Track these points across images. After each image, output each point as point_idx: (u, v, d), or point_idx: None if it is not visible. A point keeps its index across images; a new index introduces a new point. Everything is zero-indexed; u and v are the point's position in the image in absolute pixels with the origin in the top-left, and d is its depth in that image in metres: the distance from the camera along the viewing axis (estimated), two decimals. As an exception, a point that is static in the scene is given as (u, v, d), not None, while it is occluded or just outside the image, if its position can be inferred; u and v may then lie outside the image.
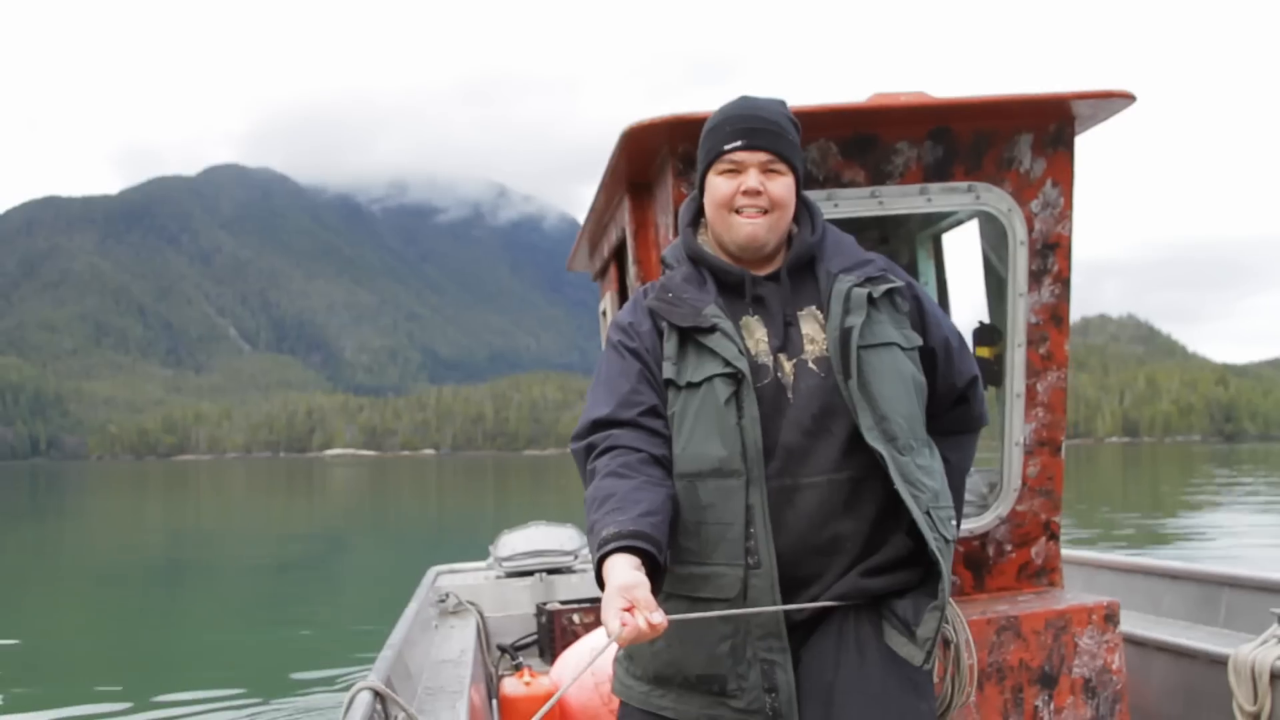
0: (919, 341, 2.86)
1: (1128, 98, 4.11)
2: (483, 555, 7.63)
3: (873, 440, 2.66)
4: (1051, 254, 4.28)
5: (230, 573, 24.92)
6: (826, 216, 3.95)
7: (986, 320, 4.54)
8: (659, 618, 2.32)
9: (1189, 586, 5.23)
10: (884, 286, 2.82)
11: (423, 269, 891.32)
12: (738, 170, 2.80)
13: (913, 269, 5.25)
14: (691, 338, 2.76)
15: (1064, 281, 4.32)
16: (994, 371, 4.43)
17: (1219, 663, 4.41)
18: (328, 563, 26.58)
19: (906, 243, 5.28)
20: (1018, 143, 4.21)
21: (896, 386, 2.74)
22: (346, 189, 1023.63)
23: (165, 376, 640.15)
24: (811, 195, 3.93)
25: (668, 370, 2.76)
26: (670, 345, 2.77)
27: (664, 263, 3.01)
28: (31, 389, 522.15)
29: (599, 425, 2.75)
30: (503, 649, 6.03)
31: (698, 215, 2.98)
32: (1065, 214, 4.28)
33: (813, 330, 2.79)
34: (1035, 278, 4.28)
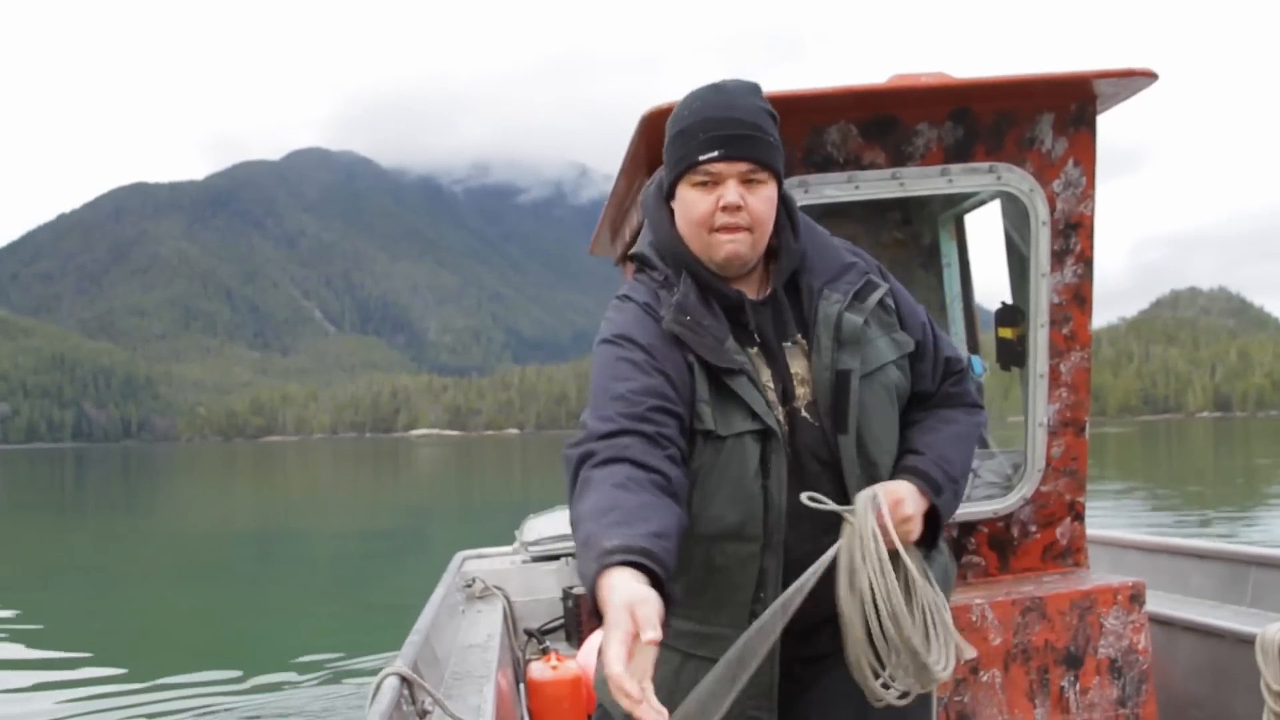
0: (910, 346, 2.62)
1: (1150, 76, 4.06)
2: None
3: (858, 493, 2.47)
4: (1074, 234, 4.24)
5: (314, 556, 25.05)
6: (847, 199, 4.01)
7: (1009, 301, 4.53)
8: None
9: (1216, 566, 5.17)
10: (870, 301, 2.57)
11: (505, 249, 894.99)
12: (714, 182, 2.49)
13: (935, 250, 5.23)
14: (717, 378, 2.48)
15: (1087, 261, 4.28)
16: (1017, 352, 4.44)
17: (1246, 642, 4.35)
18: (413, 542, 26.51)
19: (928, 224, 5.23)
20: (1039, 122, 4.17)
21: (885, 422, 2.56)
22: (429, 171, 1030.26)
23: (252, 359, 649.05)
24: (832, 178, 4.02)
25: (706, 418, 2.46)
26: (704, 386, 2.47)
27: (643, 261, 2.68)
28: (123, 373, 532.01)
29: (605, 437, 2.35)
30: (529, 633, 6.01)
31: (671, 216, 2.63)
32: (1088, 194, 4.24)
33: (800, 369, 2.53)
34: (1058, 258, 4.24)
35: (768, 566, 2.48)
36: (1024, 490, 4.38)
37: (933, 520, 2.54)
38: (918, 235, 5.23)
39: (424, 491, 51.12)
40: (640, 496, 2.23)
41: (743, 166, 2.47)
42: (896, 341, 2.59)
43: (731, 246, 2.49)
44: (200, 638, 14.60)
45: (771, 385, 2.51)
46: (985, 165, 4.16)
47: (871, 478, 2.48)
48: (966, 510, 4.34)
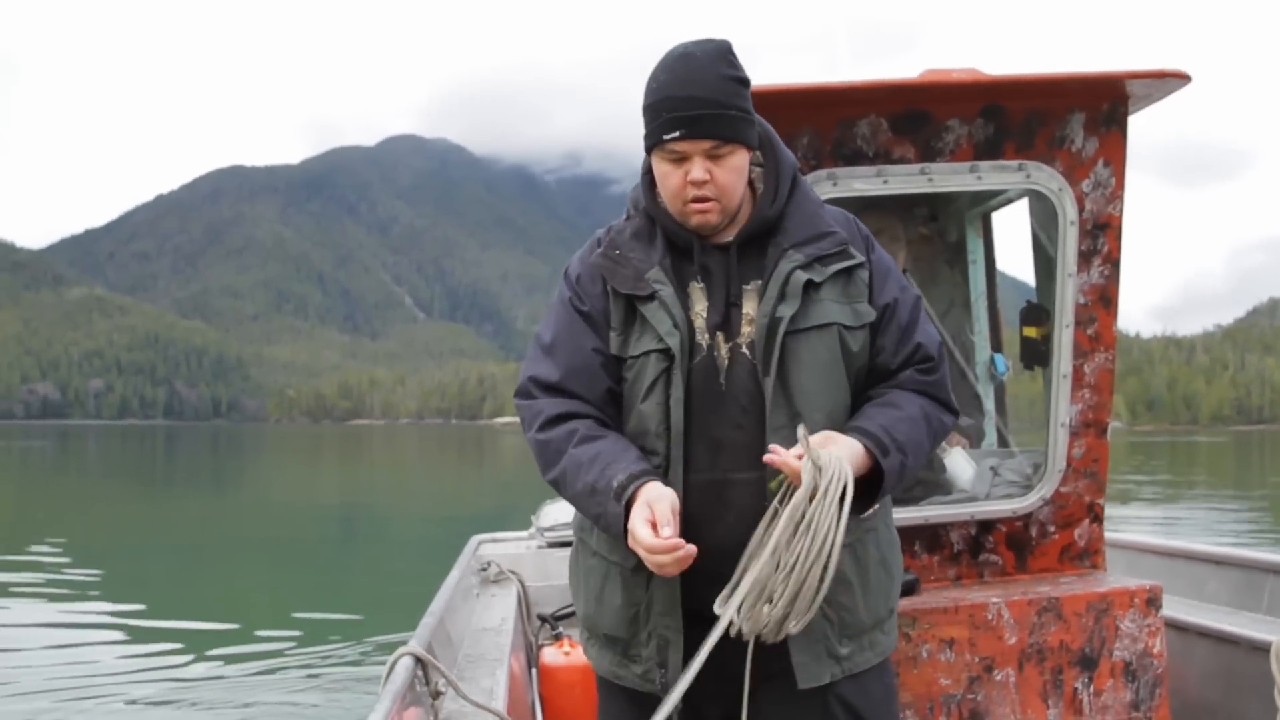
0: (871, 316, 2.71)
1: (1183, 78, 4.03)
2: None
3: (778, 442, 2.55)
4: (1102, 234, 4.22)
5: (395, 538, 25.32)
6: (876, 193, 4.03)
7: (1034, 300, 4.50)
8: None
9: (1233, 572, 5.16)
10: (834, 267, 2.67)
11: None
12: (682, 158, 2.62)
13: (960, 247, 5.19)
14: (633, 304, 2.68)
15: (1114, 262, 4.26)
16: (1041, 352, 4.42)
17: (1261, 650, 4.33)
18: (495, 528, 24.70)
19: (955, 220, 5.19)
20: (1070, 121, 4.15)
21: (820, 378, 2.63)
22: (521, 160, 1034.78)
23: (342, 342, 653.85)
24: (861, 171, 4.02)
25: (614, 344, 2.70)
26: (616, 314, 2.71)
27: (634, 203, 2.88)
28: (214, 352, 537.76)
29: (549, 389, 2.74)
30: (543, 619, 5.97)
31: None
32: (1116, 194, 4.21)
33: (753, 310, 2.66)
34: (1085, 258, 4.23)
35: (669, 483, 2.57)
36: (1044, 490, 4.37)
37: (873, 483, 2.58)
38: (944, 232, 5.17)
39: (507, 478, 50.82)
40: (608, 436, 2.65)
41: (706, 144, 2.58)
42: (857, 311, 2.67)
43: (700, 218, 2.65)
44: (268, 611, 14.92)
45: (705, 315, 2.67)
46: (1015, 163, 4.14)
47: (794, 425, 2.54)
48: (985, 508, 4.36)
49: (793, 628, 2.44)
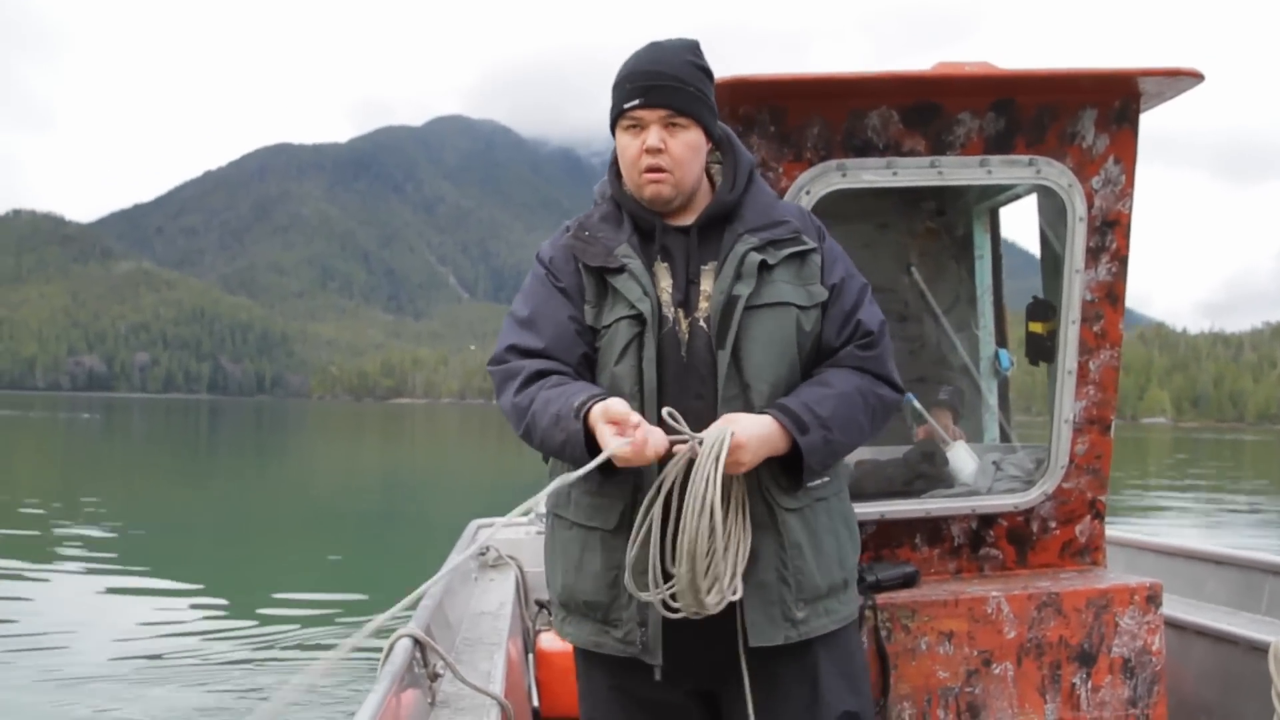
0: (824, 296, 2.87)
1: (1196, 76, 4.03)
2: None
3: (728, 411, 2.73)
4: (1110, 231, 4.21)
5: (434, 516, 25.32)
6: (885, 185, 4.06)
7: (1041, 296, 4.50)
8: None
9: (1232, 572, 5.16)
10: (786, 251, 2.85)
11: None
12: (640, 127, 2.81)
13: (967, 242, 5.18)
14: (604, 278, 2.84)
15: (1122, 260, 4.26)
16: (1047, 348, 4.42)
17: (1259, 650, 4.34)
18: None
19: (963, 215, 5.18)
20: (1081, 118, 4.14)
21: (770, 352, 2.79)
22: (568, 142, 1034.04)
23: (386, 321, 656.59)
24: (870, 163, 4.02)
25: (588, 316, 2.84)
26: (589, 289, 2.86)
27: (600, 194, 3.07)
28: (259, 329, 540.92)
29: (530, 354, 2.86)
30: (541, 604, 5.93)
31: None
32: (1126, 191, 4.21)
33: (710, 288, 2.82)
34: (1093, 255, 4.21)
35: None
36: (1046, 486, 4.36)
37: (799, 460, 2.75)
38: (951, 226, 5.17)
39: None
40: (578, 381, 2.78)
41: (662, 113, 2.79)
42: (810, 292, 2.85)
43: (653, 188, 2.83)
44: (284, 587, 14.99)
45: (670, 291, 2.84)
46: (1025, 158, 4.13)
47: (745, 396, 2.76)
48: (987, 502, 4.36)
49: (714, 593, 2.67)
